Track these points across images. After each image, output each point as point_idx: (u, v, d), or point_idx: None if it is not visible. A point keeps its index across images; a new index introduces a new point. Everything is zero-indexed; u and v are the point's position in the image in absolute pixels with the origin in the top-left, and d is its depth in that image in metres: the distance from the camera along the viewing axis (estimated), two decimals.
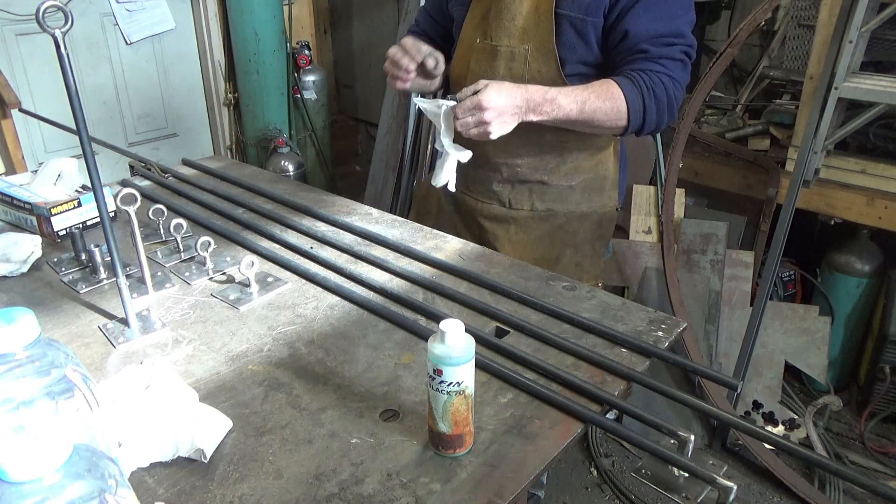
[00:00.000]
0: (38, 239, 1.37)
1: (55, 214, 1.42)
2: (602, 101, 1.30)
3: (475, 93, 1.25)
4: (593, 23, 1.34)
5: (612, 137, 1.53)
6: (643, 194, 2.68)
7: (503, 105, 1.25)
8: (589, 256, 1.61)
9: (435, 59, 1.46)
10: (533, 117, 1.29)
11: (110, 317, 1.16)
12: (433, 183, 1.38)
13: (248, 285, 1.22)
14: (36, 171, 1.59)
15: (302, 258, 1.34)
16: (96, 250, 1.27)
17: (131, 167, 1.90)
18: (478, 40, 1.48)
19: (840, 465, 0.87)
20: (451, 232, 1.55)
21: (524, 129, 1.38)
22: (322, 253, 1.35)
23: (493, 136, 1.27)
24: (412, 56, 1.44)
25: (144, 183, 1.77)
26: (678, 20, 1.33)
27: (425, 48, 1.45)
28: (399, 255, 1.35)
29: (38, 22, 0.88)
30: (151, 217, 1.41)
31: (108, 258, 1.10)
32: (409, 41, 1.47)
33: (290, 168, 3.45)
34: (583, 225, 1.57)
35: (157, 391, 0.89)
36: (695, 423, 2.43)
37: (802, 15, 2.66)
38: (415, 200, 1.91)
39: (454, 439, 0.82)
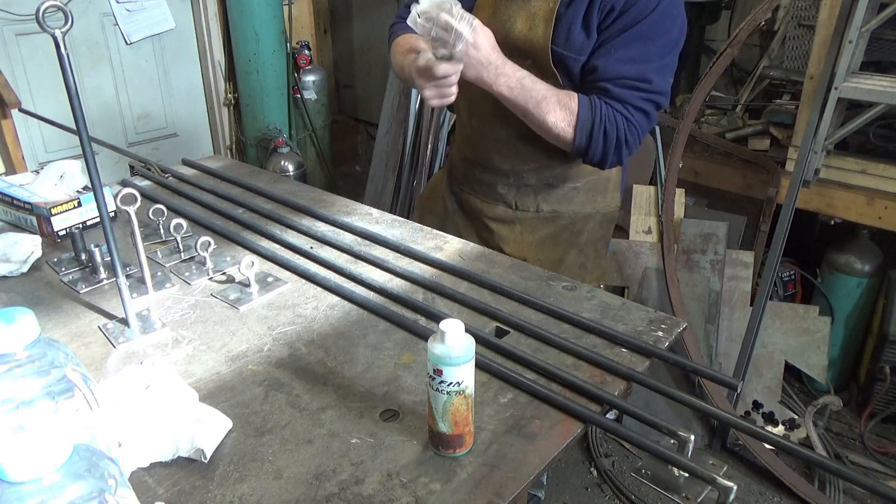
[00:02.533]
0: (38, 239, 1.37)
1: (55, 214, 1.42)
2: (560, 108, 1.30)
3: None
4: (581, 61, 1.33)
5: None
6: (643, 194, 2.68)
7: (483, 52, 1.24)
8: (592, 257, 1.62)
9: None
10: (492, 83, 1.28)
11: (110, 317, 1.16)
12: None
13: (248, 285, 1.22)
14: (36, 171, 1.59)
15: (302, 258, 1.34)
16: (96, 250, 1.27)
17: (131, 167, 1.90)
18: None
19: (840, 465, 0.87)
20: (455, 232, 1.55)
21: (531, 137, 1.39)
22: (322, 253, 1.35)
23: (442, 73, 1.22)
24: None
25: (144, 183, 1.77)
26: (648, 65, 1.29)
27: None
28: (399, 255, 1.35)
29: (38, 22, 0.88)
30: (151, 217, 1.41)
31: (108, 258, 1.10)
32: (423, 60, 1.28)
33: (290, 168, 3.45)
34: (587, 225, 1.58)
35: (157, 391, 0.89)
36: (695, 423, 2.44)
37: (802, 15, 2.66)
38: (419, 200, 1.90)
39: (454, 439, 0.82)
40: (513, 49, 1.36)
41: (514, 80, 1.28)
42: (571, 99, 1.30)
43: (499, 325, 1.11)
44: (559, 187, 1.53)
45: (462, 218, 1.68)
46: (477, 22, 1.23)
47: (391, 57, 1.54)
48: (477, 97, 1.43)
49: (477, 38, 1.23)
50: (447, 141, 3.03)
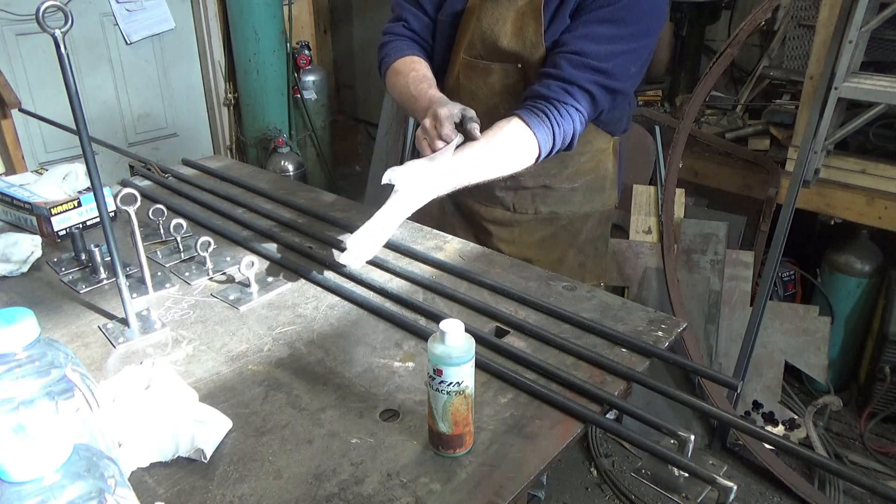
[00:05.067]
0: (38, 239, 1.37)
1: (55, 214, 1.42)
2: (516, 146, 1.26)
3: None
4: None
5: (612, 138, 1.53)
6: (643, 194, 2.68)
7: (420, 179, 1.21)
8: (591, 256, 1.61)
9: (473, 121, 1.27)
10: (442, 191, 1.25)
11: (110, 317, 1.16)
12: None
13: (248, 285, 1.22)
14: (36, 171, 1.59)
15: (302, 258, 1.34)
16: (96, 250, 1.27)
17: (131, 167, 1.90)
18: (462, 55, 1.43)
19: (840, 465, 0.87)
20: (452, 234, 1.55)
21: None
22: (322, 253, 1.35)
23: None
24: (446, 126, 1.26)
25: (144, 183, 1.77)
26: (612, 47, 1.24)
27: (457, 110, 1.26)
28: (399, 255, 1.35)
29: (38, 22, 0.88)
30: (151, 217, 1.41)
31: (108, 258, 1.10)
32: (444, 112, 1.24)
33: (290, 168, 3.45)
34: (585, 225, 1.58)
35: (157, 391, 0.89)
36: (695, 423, 2.43)
37: (802, 15, 2.66)
38: None
39: (454, 439, 0.82)
40: (502, 53, 1.35)
41: (472, 173, 1.24)
42: (519, 129, 1.25)
43: (499, 325, 1.11)
44: (556, 189, 1.53)
45: (459, 220, 1.68)
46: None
47: (391, 77, 1.46)
48: (470, 103, 1.39)
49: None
50: None
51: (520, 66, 1.36)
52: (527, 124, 1.25)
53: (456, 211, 1.68)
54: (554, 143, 1.28)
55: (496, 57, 1.38)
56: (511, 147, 1.26)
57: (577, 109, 1.27)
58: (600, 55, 1.25)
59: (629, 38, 1.26)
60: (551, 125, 1.26)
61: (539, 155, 1.28)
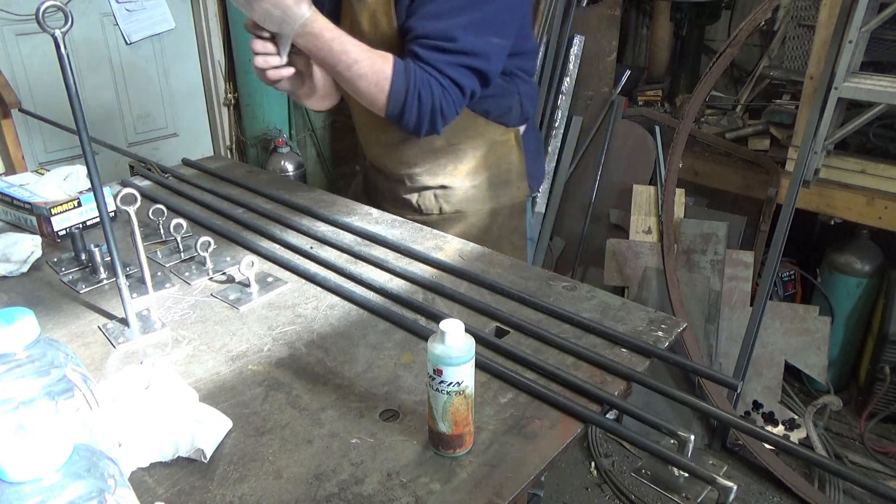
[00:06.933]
0: (38, 239, 1.37)
1: (55, 214, 1.42)
2: (372, 72, 1.22)
3: None
4: None
5: (508, 129, 1.50)
6: (643, 194, 2.68)
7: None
8: (508, 251, 1.59)
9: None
10: (300, 40, 1.21)
11: (110, 317, 1.16)
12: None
13: (248, 285, 1.22)
14: (36, 171, 1.59)
15: (302, 258, 1.34)
16: (96, 250, 1.27)
17: (131, 167, 1.90)
18: None
19: (840, 465, 0.87)
20: None
21: (413, 139, 1.37)
22: (322, 253, 1.35)
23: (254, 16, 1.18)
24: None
25: (144, 183, 1.77)
26: (454, 20, 1.18)
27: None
28: (399, 255, 1.35)
29: (38, 22, 0.88)
30: (151, 217, 1.41)
31: (108, 258, 1.10)
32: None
33: (290, 168, 3.45)
34: (495, 220, 1.56)
35: (157, 391, 0.89)
36: (695, 423, 2.44)
37: (802, 15, 2.66)
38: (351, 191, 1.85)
39: (454, 439, 0.82)
40: (370, 40, 1.31)
41: (324, 41, 1.20)
42: (386, 63, 1.22)
43: (499, 325, 1.11)
44: (457, 187, 1.52)
45: None
46: None
47: None
48: (355, 102, 1.38)
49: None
50: None
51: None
52: (394, 64, 1.22)
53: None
54: (407, 98, 1.23)
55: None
56: (366, 59, 1.22)
57: (440, 84, 1.22)
58: (445, 33, 1.19)
59: (471, 7, 1.19)
60: (410, 79, 1.21)
61: (390, 92, 1.23)
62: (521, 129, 1.54)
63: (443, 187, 1.52)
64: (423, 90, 1.22)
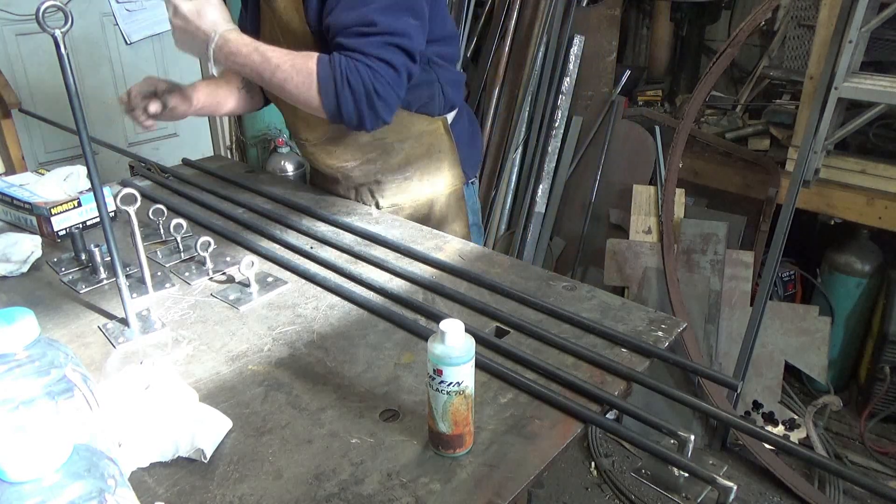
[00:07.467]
0: (38, 239, 1.37)
1: (55, 214, 1.42)
2: (296, 72, 1.24)
3: None
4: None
5: (435, 119, 1.50)
6: (643, 194, 2.68)
7: (184, 21, 1.24)
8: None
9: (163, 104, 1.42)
10: (215, 58, 1.26)
11: (110, 317, 1.16)
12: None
13: (248, 285, 1.22)
14: (36, 171, 1.59)
15: (302, 258, 1.34)
16: (96, 250, 1.27)
17: (131, 167, 1.90)
18: None
19: (840, 465, 0.87)
20: None
21: (342, 134, 1.40)
22: (322, 253, 1.35)
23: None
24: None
25: (144, 183, 1.77)
26: (368, 7, 1.21)
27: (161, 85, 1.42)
28: (399, 255, 1.35)
29: (38, 22, 0.88)
30: (151, 217, 1.41)
31: (108, 258, 1.10)
32: (135, 88, 1.42)
33: (290, 168, 3.45)
34: (432, 210, 1.57)
35: (157, 391, 0.89)
36: (695, 423, 2.44)
37: (802, 15, 2.66)
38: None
39: (454, 439, 0.82)
40: (289, 44, 1.33)
41: (242, 55, 1.25)
42: (309, 60, 1.25)
43: (499, 325, 1.11)
44: (390, 181, 1.54)
45: None
46: None
47: None
48: (282, 104, 1.42)
49: (178, 5, 1.22)
50: None
51: (304, 49, 1.33)
52: (316, 61, 1.25)
53: None
54: (337, 90, 1.23)
55: (288, 47, 1.37)
56: (288, 61, 1.25)
57: (368, 66, 1.23)
58: (363, 19, 1.22)
59: None
60: (335, 70, 1.23)
61: (320, 88, 1.24)
62: (450, 116, 1.53)
63: (376, 182, 1.55)
64: (351, 76, 1.22)
